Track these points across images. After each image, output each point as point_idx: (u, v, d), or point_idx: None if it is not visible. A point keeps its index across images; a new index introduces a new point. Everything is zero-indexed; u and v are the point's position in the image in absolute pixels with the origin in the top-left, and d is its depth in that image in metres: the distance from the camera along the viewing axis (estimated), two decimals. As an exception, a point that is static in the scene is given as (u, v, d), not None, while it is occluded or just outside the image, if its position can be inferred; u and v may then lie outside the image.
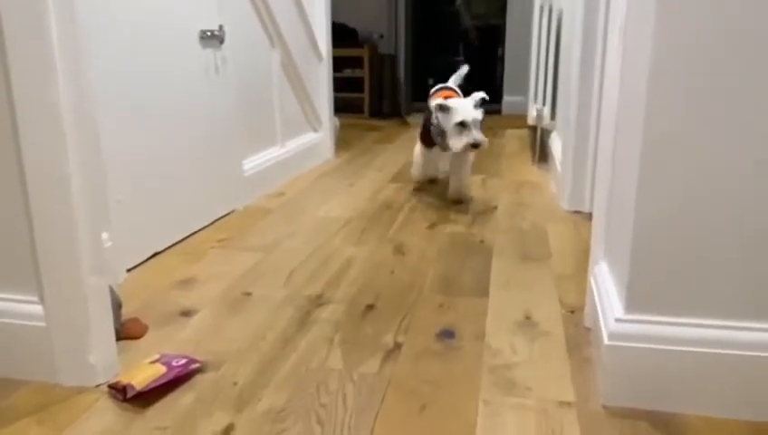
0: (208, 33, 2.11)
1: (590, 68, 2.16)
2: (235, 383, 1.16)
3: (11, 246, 1.13)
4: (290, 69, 2.90)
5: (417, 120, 5.17)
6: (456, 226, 2.15)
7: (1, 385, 1.15)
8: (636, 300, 1.05)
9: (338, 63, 3.87)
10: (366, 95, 5.37)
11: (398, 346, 1.29)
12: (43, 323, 1.14)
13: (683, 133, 0.98)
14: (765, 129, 0.95)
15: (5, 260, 1.14)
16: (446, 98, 2.33)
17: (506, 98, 5.54)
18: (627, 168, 1.10)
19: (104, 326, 1.17)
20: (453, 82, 2.71)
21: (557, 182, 2.49)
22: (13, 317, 1.15)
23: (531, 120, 3.53)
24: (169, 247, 1.91)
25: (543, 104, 3.25)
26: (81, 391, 1.13)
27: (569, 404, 1.09)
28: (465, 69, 2.81)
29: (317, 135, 3.30)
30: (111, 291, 1.24)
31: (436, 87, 2.65)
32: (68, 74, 1.05)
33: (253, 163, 2.52)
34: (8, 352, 1.17)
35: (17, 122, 1.06)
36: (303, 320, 1.42)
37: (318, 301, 1.52)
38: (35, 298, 1.14)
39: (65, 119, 1.05)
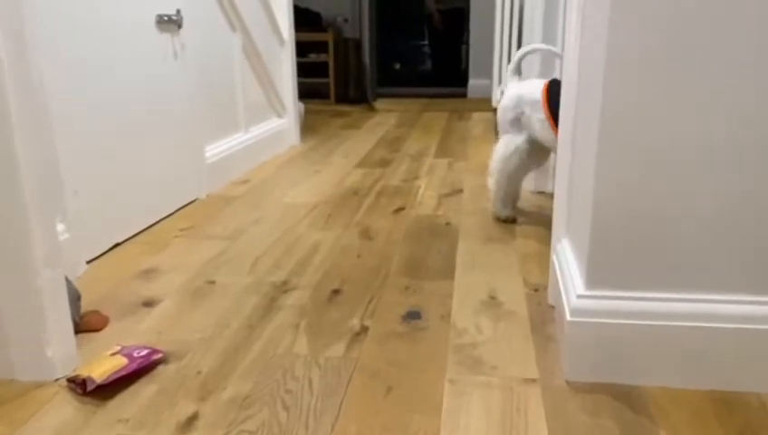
0: (165, 18, 2.06)
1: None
2: (199, 372, 1.14)
3: (-41, 239, 1.09)
4: (252, 54, 2.85)
5: (384, 106, 5.17)
6: (423, 209, 2.16)
7: (-46, 383, 1.11)
8: (596, 276, 1.06)
9: (302, 48, 3.83)
10: (331, 80, 5.33)
11: (364, 329, 1.29)
12: (-4, 318, 1.10)
13: (640, 109, 0.99)
14: (723, 101, 0.97)
15: (-46, 254, 1.10)
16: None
17: (472, 81, 5.56)
18: (586, 145, 1.11)
19: (61, 319, 1.14)
20: (513, 71, 2.01)
21: (522, 164, 2.50)
22: (-36, 313, 1.11)
23: (495, 103, 3.55)
24: (131, 238, 1.87)
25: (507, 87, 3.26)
26: (38, 385, 1.10)
27: (533, 381, 1.10)
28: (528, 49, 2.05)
29: (282, 121, 3.27)
30: (69, 283, 1.21)
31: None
32: (14, 59, 1.01)
33: (215, 150, 2.48)
34: (-39, 349, 1.13)
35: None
36: (269, 307, 1.41)
37: (283, 287, 1.51)
38: (-13, 292, 1.10)
39: (11, 103, 1.01)
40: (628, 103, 0.99)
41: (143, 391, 1.09)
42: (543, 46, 2.05)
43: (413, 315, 1.35)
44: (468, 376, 1.12)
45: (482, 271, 1.59)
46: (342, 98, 5.41)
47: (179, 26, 2.14)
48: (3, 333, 1.10)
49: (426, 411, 1.02)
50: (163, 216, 2.07)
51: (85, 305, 1.34)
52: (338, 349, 1.22)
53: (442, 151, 3.19)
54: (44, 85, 1.46)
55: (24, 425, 1.00)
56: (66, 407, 1.05)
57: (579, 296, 1.08)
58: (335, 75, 5.34)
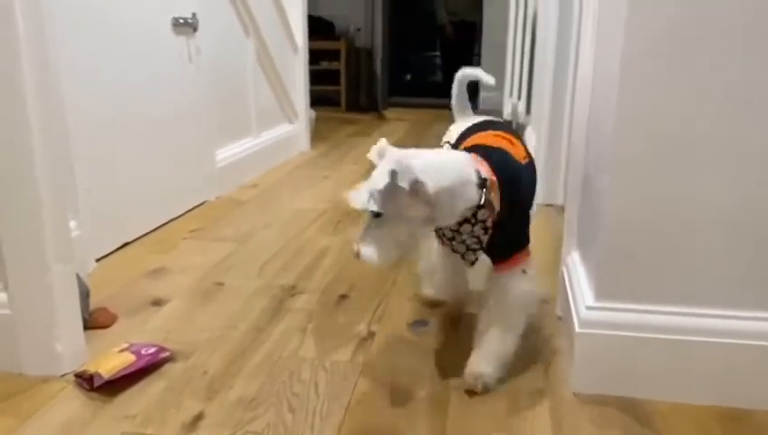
0: (181, 21, 2.08)
1: (565, 62, 2.18)
2: (206, 372, 1.15)
3: (-27, 232, 1.10)
4: (265, 59, 2.87)
5: (394, 115, 5.19)
6: (431, 218, 2.15)
7: (-37, 375, 1.12)
8: (606, 288, 1.06)
9: (314, 56, 3.85)
10: (342, 88, 5.36)
11: (371, 335, 1.29)
12: (6, 311, 1.11)
13: (654, 126, 0.99)
14: (737, 115, 0.97)
15: (-32, 246, 1.11)
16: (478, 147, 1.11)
17: (483, 94, 5.56)
18: (600, 159, 1.11)
19: (71, 315, 1.14)
20: (457, 97, 1.63)
21: (531, 176, 2.51)
22: (-25, 305, 1.12)
23: (506, 115, 3.56)
24: (140, 238, 1.88)
25: (519, 99, 3.27)
26: (46, 380, 1.10)
27: (540, 392, 1.10)
28: (465, 73, 1.61)
29: (292, 127, 3.28)
30: (79, 279, 1.22)
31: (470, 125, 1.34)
32: (32, 56, 1.02)
33: (226, 154, 2.49)
34: (-30, 341, 1.14)
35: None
36: (276, 309, 1.41)
37: (291, 291, 1.51)
38: (-1, 285, 1.11)
39: (28, 100, 1.02)
40: (644, 119, 0.99)
41: (150, 388, 1.09)
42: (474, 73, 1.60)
43: (420, 322, 1.35)
44: (475, 384, 1.11)
45: (490, 281, 1.59)
46: (353, 106, 5.43)
47: (195, 29, 2.16)
48: (12, 327, 1.11)
49: (431, 419, 1.02)
50: (173, 217, 2.08)
51: (94, 303, 1.35)
52: (344, 353, 1.22)
53: (451, 162, 3.18)
54: (60, 86, 1.48)
55: (31, 418, 1.00)
56: (73, 402, 1.05)
57: (588, 308, 1.08)
58: (346, 83, 5.37)
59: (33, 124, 1.03)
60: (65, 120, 1.51)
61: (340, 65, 5.30)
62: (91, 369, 1.08)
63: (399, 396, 1.08)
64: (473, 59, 6.28)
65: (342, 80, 5.33)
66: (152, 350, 1.16)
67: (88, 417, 1.01)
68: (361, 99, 5.52)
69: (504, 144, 1.13)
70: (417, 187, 0.93)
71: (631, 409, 1.04)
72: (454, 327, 1.33)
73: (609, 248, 1.05)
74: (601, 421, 1.01)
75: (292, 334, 1.29)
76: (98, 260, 1.67)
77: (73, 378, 1.10)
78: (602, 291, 1.07)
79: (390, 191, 0.93)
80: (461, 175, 0.99)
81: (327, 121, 4.45)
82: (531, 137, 2.78)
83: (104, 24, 1.70)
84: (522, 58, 3.25)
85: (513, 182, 1.06)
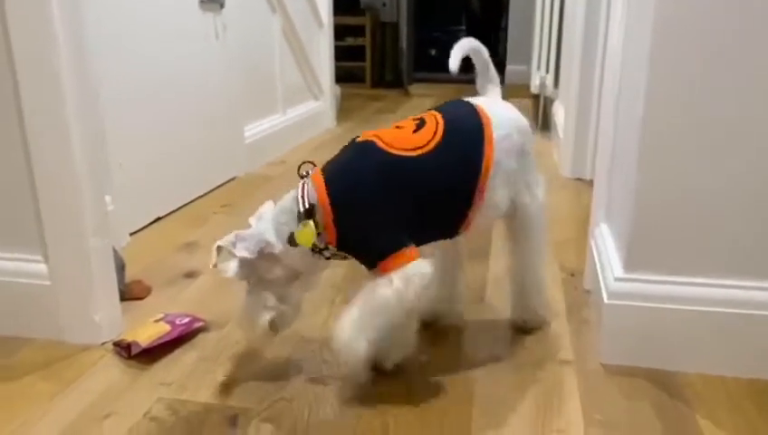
0: (208, -3, 2.09)
1: (594, 35, 2.14)
2: (238, 342, 1.17)
3: (15, 206, 1.13)
4: (291, 36, 2.87)
5: (420, 91, 5.15)
6: (458, 193, 2.15)
7: (7, 343, 1.16)
8: (635, 259, 1.06)
9: (339, 31, 3.84)
10: (368, 64, 5.33)
11: (399, 307, 1.30)
12: (47, 282, 1.15)
13: (684, 97, 0.97)
14: (766, 91, 0.95)
15: (10, 220, 1.15)
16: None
17: (510, 67, 5.49)
18: (629, 130, 1.10)
19: (108, 285, 1.18)
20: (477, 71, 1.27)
21: (559, 150, 2.49)
22: (18, 276, 1.16)
23: (534, 89, 3.51)
24: (172, 213, 1.91)
25: (547, 72, 3.23)
26: (86, 348, 1.15)
27: (568, 363, 1.10)
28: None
29: (318, 104, 3.29)
30: (114, 252, 1.25)
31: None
32: (68, 38, 1.05)
33: (254, 130, 2.51)
34: (14, 311, 1.18)
35: (18, 81, 1.06)
36: (305, 282, 1.43)
37: (320, 264, 1.53)
38: (40, 257, 1.15)
39: (64, 81, 1.05)
40: (673, 87, 0.97)
41: (185, 357, 1.13)
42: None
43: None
44: (502, 355, 1.12)
45: (517, 254, 1.59)
46: (378, 82, 5.41)
47: (222, 6, 2.17)
48: (53, 297, 1.15)
49: (459, 388, 1.03)
50: (203, 192, 2.11)
51: (129, 276, 1.38)
52: (373, 324, 1.23)
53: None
54: (93, 65, 1.50)
55: (73, 384, 1.04)
56: (112, 369, 1.09)
57: (617, 279, 1.07)
58: (372, 59, 5.34)
59: (69, 103, 1.06)
60: (97, 97, 1.54)
61: (366, 41, 5.26)
62: (129, 338, 1.12)
63: (427, 364, 1.09)
64: (499, 32, 6.19)
65: (367, 56, 5.30)
66: (186, 320, 1.19)
67: (126, 383, 1.05)
68: (387, 75, 5.49)
69: (385, 133, 0.99)
70: (266, 250, 0.94)
71: (660, 380, 1.04)
72: (482, 299, 1.34)
73: (638, 220, 1.04)
74: (631, 392, 1.02)
75: (321, 306, 1.31)
76: (132, 234, 1.71)
77: (112, 346, 1.14)
78: (631, 262, 1.06)
79: (245, 261, 0.94)
80: (294, 218, 0.97)
81: (352, 98, 4.44)
82: (558, 111, 2.75)
83: (132, 2, 1.71)
84: (550, 30, 3.19)
85: (358, 184, 0.96)
